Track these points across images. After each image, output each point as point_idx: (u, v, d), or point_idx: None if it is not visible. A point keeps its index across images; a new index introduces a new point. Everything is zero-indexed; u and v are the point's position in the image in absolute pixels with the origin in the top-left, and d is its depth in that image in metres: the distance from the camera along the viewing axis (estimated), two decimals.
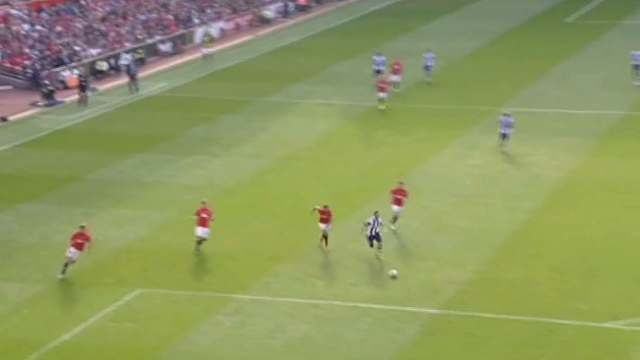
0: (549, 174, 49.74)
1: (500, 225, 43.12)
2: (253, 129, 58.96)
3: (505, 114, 53.13)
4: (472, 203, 46.05)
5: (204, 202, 40.91)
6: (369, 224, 38.59)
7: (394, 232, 41.16)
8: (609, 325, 33.72)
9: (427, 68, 68.55)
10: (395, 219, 41.90)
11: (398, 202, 42.13)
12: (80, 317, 34.92)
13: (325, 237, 39.99)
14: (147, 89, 69.33)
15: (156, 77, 73.21)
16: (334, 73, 73.26)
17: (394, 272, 36.80)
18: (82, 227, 38.47)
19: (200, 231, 39.88)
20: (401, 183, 42.82)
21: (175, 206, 46.12)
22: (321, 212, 40.14)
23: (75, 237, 37.86)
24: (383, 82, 61.76)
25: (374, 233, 38.30)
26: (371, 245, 38.61)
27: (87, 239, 37.90)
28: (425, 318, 34.67)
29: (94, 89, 68.64)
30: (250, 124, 60.01)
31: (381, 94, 61.11)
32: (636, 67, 65.44)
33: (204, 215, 39.98)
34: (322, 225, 39.98)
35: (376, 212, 38.80)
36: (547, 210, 45.10)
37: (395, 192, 42.47)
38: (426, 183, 48.66)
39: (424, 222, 43.31)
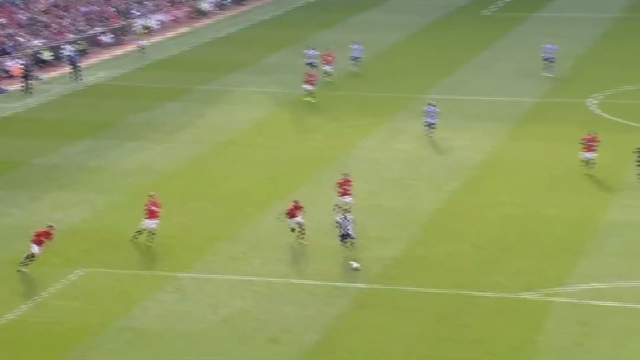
0: (470, 157, 50.45)
1: (425, 205, 43.69)
2: (192, 116, 58.91)
3: (430, 104, 53.61)
4: (399, 185, 46.57)
5: (152, 195, 39.80)
6: (339, 223, 37.10)
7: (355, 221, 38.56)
8: (524, 296, 34.43)
9: (354, 59, 68.95)
10: (346, 210, 39.01)
11: (346, 193, 41.17)
12: (27, 295, 34.82)
13: (295, 230, 38.75)
14: (90, 78, 68.84)
15: (98, 67, 72.72)
16: (268, 63, 73.36)
17: (356, 264, 36.01)
18: (50, 226, 37.35)
19: (149, 223, 38.80)
20: (346, 174, 42.16)
21: (118, 190, 46.04)
22: (291, 210, 38.70)
23: (40, 234, 36.82)
24: (310, 75, 61.64)
25: (346, 232, 36.78)
26: (344, 242, 36.92)
27: (49, 237, 36.87)
28: (355, 292, 35.11)
29: (37, 78, 67.92)
30: (189, 112, 59.93)
31: (308, 87, 60.87)
32: (546, 59, 66.40)
33: (153, 208, 39.24)
34: (291, 221, 38.77)
35: (345, 209, 37.83)
36: (468, 191, 45.80)
37: (343, 183, 41.53)
38: (356, 166, 49.07)
39: (355, 203, 43.69)
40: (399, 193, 45.18)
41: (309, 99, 60.39)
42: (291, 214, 38.79)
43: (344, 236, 36.72)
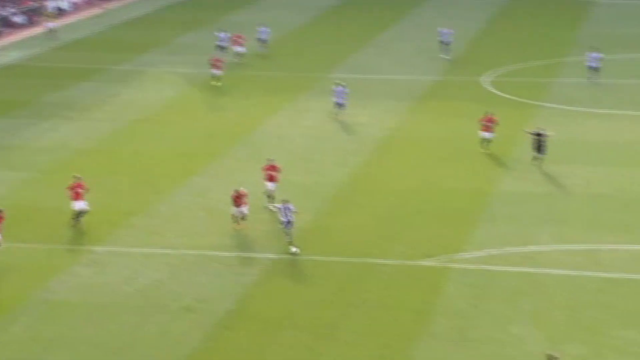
0: (373, 133, 50.80)
1: (330, 179, 43.91)
2: (106, 95, 58.11)
3: (339, 84, 53.59)
4: (306, 160, 46.69)
5: (77, 177, 38.38)
6: (278, 207, 35.77)
7: (273, 210, 38.05)
8: (424, 263, 34.91)
9: (261, 41, 68.73)
10: (270, 197, 39.06)
11: (271, 178, 39.62)
12: None
13: (241, 217, 37.40)
14: (3, 59, 67.35)
15: (11, 47, 71.19)
16: (180, 44, 72.67)
17: (294, 249, 35.03)
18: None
19: (77, 205, 37.66)
20: (271, 160, 40.29)
21: (33, 167, 45.27)
22: (236, 197, 37.19)
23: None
24: (217, 60, 60.89)
25: (288, 219, 35.22)
26: (287, 227, 35.35)
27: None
28: (266, 262, 35.18)
29: None
30: (104, 91, 59.10)
31: (215, 71, 60.15)
32: (442, 42, 67.01)
33: (79, 190, 38.24)
34: (235, 209, 37.36)
35: (285, 200, 35.86)
36: (371, 165, 46.17)
37: (268, 168, 39.85)
38: (265, 142, 49.07)
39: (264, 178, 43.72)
40: (305, 168, 45.30)
41: (215, 83, 59.69)
42: (236, 203, 37.27)
43: (287, 223, 35.08)
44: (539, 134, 43.54)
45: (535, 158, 43.58)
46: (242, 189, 37.63)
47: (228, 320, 30.87)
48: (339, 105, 52.79)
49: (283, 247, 36.04)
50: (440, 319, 30.67)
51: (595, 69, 58.90)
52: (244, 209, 37.46)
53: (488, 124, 46.39)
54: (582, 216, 39.07)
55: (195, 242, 36.85)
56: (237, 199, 37.41)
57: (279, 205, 35.76)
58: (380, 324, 30.38)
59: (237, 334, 30.10)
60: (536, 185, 41.53)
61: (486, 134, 46.43)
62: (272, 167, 39.99)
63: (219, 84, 59.32)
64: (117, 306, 31.70)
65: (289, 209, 35.26)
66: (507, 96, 57.07)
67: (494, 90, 58.47)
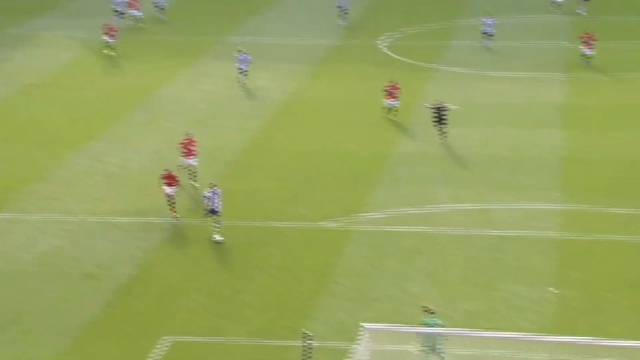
0: (273, 97, 51.06)
1: (231, 143, 44.09)
2: None
3: (241, 51, 53.40)
4: (207, 124, 46.72)
5: None
6: (207, 197, 33.81)
7: (196, 187, 37.64)
8: (324, 225, 35.50)
9: (158, 6, 68.08)
10: (192, 173, 37.97)
11: (190, 154, 38.53)
12: None
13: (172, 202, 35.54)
14: None
15: None
16: (75, 7, 71.47)
17: (219, 237, 33.53)
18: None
19: None
20: (190, 134, 39.28)
21: None
22: (166, 177, 35.53)
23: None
24: (110, 28, 59.77)
25: (216, 207, 33.74)
26: (214, 214, 33.82)
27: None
28: (167, 227, 35.29)
29: None
30: None
31: (108, 39, 58.81)
32: (340, 8, 67.10)
33: None
34: (167, 189, 35.48)
35: (212, 184, 34.29)
36: (272, 128, 46.48)
37: (186, 143, 38.63)
38: (164, 107, 48.92)
39: (165, 143, 43.66)
40: (206, 132, 45.32)
41: (108, 52, 58.48)
42: (167, 183, 35.43)
43: (214, 211, 33.58)
44: (438, 107, 42.85)
45: (440, 131, 42.80)
46: (172, 172, 35.68)
47: (130, 285, 30.98)
48: (242, 72, 52.73)
49: (185, 211, 36.13)
50: (341, 279, 31.33)
51: (489, 35, 60.07)
52: (172, 190, 35.40)
53: (393, 92, 46.88)
54: (477, 176, 40.17)
55: (95, 208, 36.72)
56: (169, 179, 35.41)
57: (207, 192, 33.74)
58: (282, 286, 30.88)
59: (139, 299, 30.25)
60: (434, 147, 42.45)
61: (391, 102, 46.82)
62: (191, 142, 38.62)
63: (113, 53, 58.09)
64: (15, 273, 31.50)
65: (217, 194, 33.62)
66: (404, 59, 57.88)
67: (390, 54, 59.24)
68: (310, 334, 22.09)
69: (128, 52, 59.00)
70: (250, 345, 27.33)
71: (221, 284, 31.12)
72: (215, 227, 33.64)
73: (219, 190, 33.86)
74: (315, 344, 24.44)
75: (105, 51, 58.09)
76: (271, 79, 53.87)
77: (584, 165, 41.26)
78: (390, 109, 46.76)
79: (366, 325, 23.53)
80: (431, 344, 24.92)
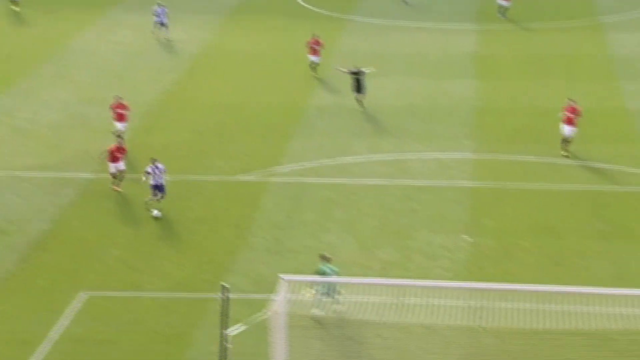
0: (187, 49, 50.76)
1: (145, 96, 43.80)
2: None
3: (160, 4, 52.60)
4: (120, 77, 46.33)
5: None
6: (148, 173, 32.24)
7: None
8: (242, 178, 35.70)
9: None
10: (120, 137, 36.27)
11: (121, 117, 37.39)
12: None
13: (116, 177, 33.85)
14: None
15: None
16: None
17: (157, 212, 32.09)
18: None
19: None
20: (119, 97, 38.03)
21: None
22: (114, 151, 33.63)
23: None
24: None
25: (159, 182, 32.22)
26: (155, 195, 32.33)
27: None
28: (82, 182, 35.10)
29: None
30: None
31: None
32: None
33: None
34: (119, 165, 33.74)
35: (153, 159, 32.57)
36: (187, 81, 46.31)
37: (117, 107, 37.50)
38: (75, 60, 48.28)
39: (75, 95, 43.22)
40: (119, 85, 44.90)
41: (14, 7, 56.95)
42: (113, 157, 33.57)
43: (156, 187, 32.09)
44: (355, 72, 41.28)
45: (358, 100, 41.52)
46: (122, 142, 33.99)
47: (43, 241, 30.82)
48: (163, 25, 52.00)
49: (99, 166, 35.94)
50: (259, 232, 31.66)
51: None
52: (122, 165, 33.64)
53: (315, 47, 46.68)
54: (393, 127, 40.71)
55: (5, 163, 36.30)
56: (116, 153, 33.52)
57: (148, 168, 32.18)
58: (201, 239, 31.06)
59: (53, 255, 30.13)
60: (349, 99, 42.79)
61: (314, 58, 46.53)
62: (122, 106, 37.72)
63: (18, 9, 56.68)
64: None
65: (158, 168, 32.18)
66: (319, 10, 57.93)
67: (305, 5, 59.21)
68: (228, 286, 22.38)
69: (34, 3, 57.78)
70: (169, 299, 27.53)
71: (139, 239, 31.17)
72: (152, 200, 32.10)
73: (161, 166, 32.25)
74: (233, 296, 24.77)
75: (12, 7, 56.43)
76: (185, 30, 53.48)
77: (495, 115, 42.12)
78: (313, 65, 46.38)
79: (284, 276, 23.94)
80: (326, 289, 25.46)
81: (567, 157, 36.69)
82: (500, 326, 24.03)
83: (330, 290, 25.52)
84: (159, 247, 30.65)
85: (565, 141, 36.93)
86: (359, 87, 41.37)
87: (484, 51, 50.63)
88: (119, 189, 33.74)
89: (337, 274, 26.17)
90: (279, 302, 22.94)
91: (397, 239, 30.91)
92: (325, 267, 26.27)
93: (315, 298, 25.28)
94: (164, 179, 32.18)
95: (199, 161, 37.04)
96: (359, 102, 41.66)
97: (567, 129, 36.94)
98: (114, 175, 33.73)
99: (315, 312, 24.18)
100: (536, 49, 50.82)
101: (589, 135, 38.80)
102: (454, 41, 52.05)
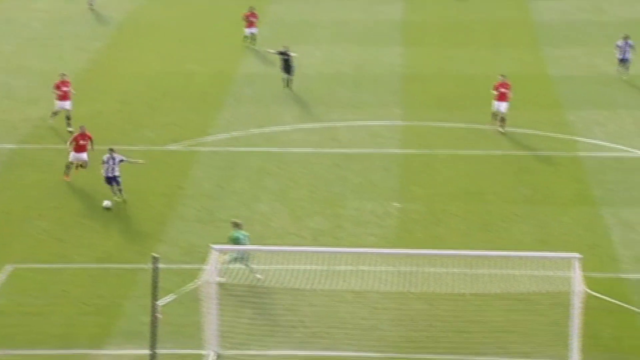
0: (112, 16, 50.24)
1: (70, 65, 43.29)
2: None
3: None
4: (43, 45, 45.73)
5: None
6: (104, 162, 30.69)
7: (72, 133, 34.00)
8: (171, 147, 35.63)
9: None
10: (68, 117, 35.65)
11: (65, 96, 35.98)
12: None
13: (80, 165, 32.40)
14: None
15: None
16: None
17: (108, 202, 30.62)
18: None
19: None
20: (64, 75, 36.65)
21: None
22: (77, 139, 31.98)
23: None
24: None
25: (110, 174, 30.60)
26: (110, 184, 30.81)
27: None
28: (6, 153, 34.71)
29: None
30: None
31: None
32: None
33: None
34: (73, 154, 32.19)
35: (111, 149, 30.98)
36: (112, 49, 45.90)
37: (60, 85, 36.02)
38: None
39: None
40: (43, 53, 44.40)
41: None
42: (78, 148, 32.04)
43: (110, 179, 30.64)
44: (283, 53, 40.30)
45: (284, 80, 40.44)
46: (86, 131, 31.96)
47: None
48: None
49: (24, 136, 35.51)
50: (189, 202, 31.68)
51: None
52: (85, 156, 32.14)
53: (252, 19, 46.26)
54: (321, 95, 40.93)
55: None
56: (80, 140, 31.87)
57: (104, 157, 30.65)
58: (130, 210, 30.96)
59: None
60: (277, 67, 42.79)
61: (252, 30, 46.13)
62: (64, 83, 36.30)
63: None
64: None
65: (114, 159, 30.59)
66: None
67: None
68: (158, 256, 22.42)
69: None
70: (98, 270, 27.44)
71: (65, 210, 30.95)
72: (118, 197, 30.66)
73: (117, 156, 30.69)
74: (163, 266, 24.85)
75: None
76: None
77: (423, 82, 42.58)
78: (249, 37, 46.07)
79: (215, 246, 24.09)
80: (240, 255, 25.64)
81: (503, 133, 36.17)
82: (429, 291, 24.51)
83: (244, 257, 25.68)
84: (87, 218, 30.48)
85: (502, 119, 36.45)
86: (287, 67, 40.56)
87: (411, 18, 51.03)
88: (68, 179, 32.16)
89: (249, 239, 26.39)
90: (210, 272, 23.09)
91: (328, 207, 31.20)
92: (238, 233, 26.48)
93: (224, 266, 25.53)
94: (118, 171, 30.45)
95: (127, 131, 36.85)
96: (287, 83, 40.52)
97: (502, 106, 36.40)
98: (75, 164, 32.01)
99: (221, 279, 24.30)
100: (461, 16, 51.38)
101: (513, 101, 39.48)
102: (380, 9, 52.33)
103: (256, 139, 36.39)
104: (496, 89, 36.72)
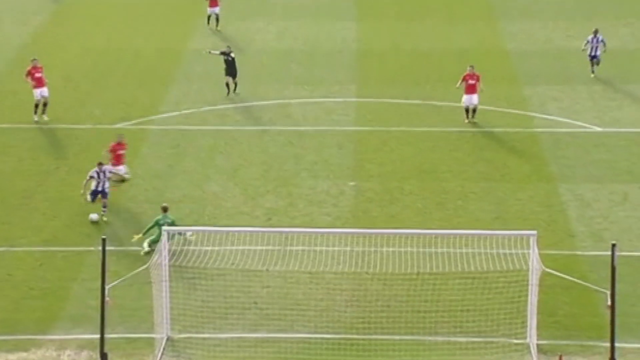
0: None
1: (11, 39, 42.88)
2: None
3: None
4: None
5: None
6: (91, 177, 28.74)
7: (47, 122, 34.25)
8: (119, 126, 35.37)
9: None
10: (45, 104, 34.68)
11: (40, 82, 34.69)
12: None
13: (120, 180, 30.59)
14: None
15: None
16: None
17: (94, 216, 28.72)
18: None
19: None
20: (35, 60, 35.36)
21: None
22: (115, 148, 30.47)
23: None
24: None
25: (100, 188, 28.75)
26: (93, 200, 28.94)
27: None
28: None
29: None
30: None
31: None
32: None
33: None
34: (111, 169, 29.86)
35: (100, 163, 28.92)
36: (54, 24, 45.48)
37: (32, 71, 34.81)
38: None
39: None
40: None
41: None
42: (116, 157, 30.39)
43: (97, 193, 28.63)
44: (225, 53, 37.39)
45: (229, 85, 37.59)
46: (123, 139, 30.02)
47: None
48: None
49: None
50: (139, 182, 31.49)
51: None
52: (123, 169, 30.75)
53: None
54: (274, 71, 40.87)
55: None
56: (117, 150, 30.19)
57: (92, 172, 28.68)
58: (76, 190, 30.63)
59: None
60: (225, 41, 42.59)
61: (213, 9, 45.46)
62: (37, 69, 34.98)
63: None
64: None
65: (104, 173, 28.67)
66: None
67: None
68: (104, 237, 22.27)
69: None
70: (44, 253, 27.20)
71: (11, 191, 30.66)
72: (102, 214, 28.64)
73: (107, 169, 28.95)
74: (112, 248, 24.74)
75: None
76: None
77: (377, 58, 42.66)
78: (212, 17, 45.43)
79: (165, 227, 24.01)
80: (157, 237, 25.41)
81: (475, 123, 35.11)
82: (385, 271, 24.65)
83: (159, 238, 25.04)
84: (31, 199, 30.19)
85: (473, 111, 34.93)
86: (231, 69, 37.20)
87: None
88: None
89: (173, 223, 26.22)
90: (161, 253, 23.02)
91: (281, 186, 31.20)
92: (162, 217, 26.24)
93: (143, 244, 25.53)
94: (108, 184, 28.62)
95: (72, 109, 36.53)
96: (234, 88, 37.64)
97: (473, 98, 34.80)
98: (115, 179, 29.77)
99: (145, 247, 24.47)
100: None
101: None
102: None
103: (207, 116, 36.27)
104: (464, 80, 34.98)
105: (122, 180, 30.57)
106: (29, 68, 35.24)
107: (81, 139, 34.42)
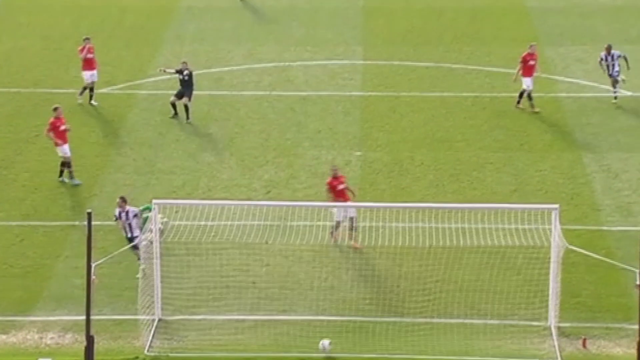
0: None
1: None
2: None
3: None
4: None
5: None
6: (116, 218, 25.21)
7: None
8: (105, 90, 35.41)
9: None
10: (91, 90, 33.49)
11: (91, 65, 33.93)
12: None
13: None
14: None
15: None
16: None
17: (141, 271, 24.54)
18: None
19: None
20: (87, 39, 34.17)
21: None
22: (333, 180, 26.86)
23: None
24: None
25: (128, 235, 25.00)
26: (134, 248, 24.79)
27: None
28: None
29: None
30: None
31: None
32: None
33: None
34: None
35: (122, 197, 25.28)
36: None
37: (85, 51, 33.69)
38: None
39: None
40: None
41: None
42: (335, 192, 26.34)
43: (129, 239, 24.83)
44: (179, 72, 33.16)
45: (176, 106, 33.29)
46: (338, 172, 26.89)
47: None
48: None
49: None
50: (127, 151, 31.58)
51: None
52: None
53: None
54: (273, 32, 40.83)
55: None
56: (336, 181, 26.53)
57: (115, 211, 25.27)
58: (58, 159, 30.71)
59: None
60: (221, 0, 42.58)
61: None
62: (89, 49, 34.07)
63: None
64: None
65: (127, 214, 25.04)
66: None
67: None
68: (92, 211, 22.36)
69: None
70: (24, 228, 27.31)
71: None
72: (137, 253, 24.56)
73: (132, 210, 25.12)
74: (99, 223, 24.84)
75: None
76: None
77: (385, 16, 42.56)
78: None
79: (156, 200, 24.10)
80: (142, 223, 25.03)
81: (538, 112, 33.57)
82: (394, 248, 24.75)
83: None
84: (10, 170, 30.30)
85: (529, 95, 33.47)
86: (187, 88, 32.96)
87: None
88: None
89: (148, 209, 25.93)
90: (152, 227, 23.12)
91: (281, 156, 31.28)
92: (144, 208, 25.40)
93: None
94: (138, 227, 24.76)
95: (53, 72, 36.59)
96: (186, 110, 33.05)
97: (530, 81, 33.35)
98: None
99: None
100: None
101: (486, 36, 39.69)
102: None
103: (202, 79, 36.25)
104: (524, 61, 33.51)
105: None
106: (80, 47, 34.19)
107: (63, 104, 34.35)
